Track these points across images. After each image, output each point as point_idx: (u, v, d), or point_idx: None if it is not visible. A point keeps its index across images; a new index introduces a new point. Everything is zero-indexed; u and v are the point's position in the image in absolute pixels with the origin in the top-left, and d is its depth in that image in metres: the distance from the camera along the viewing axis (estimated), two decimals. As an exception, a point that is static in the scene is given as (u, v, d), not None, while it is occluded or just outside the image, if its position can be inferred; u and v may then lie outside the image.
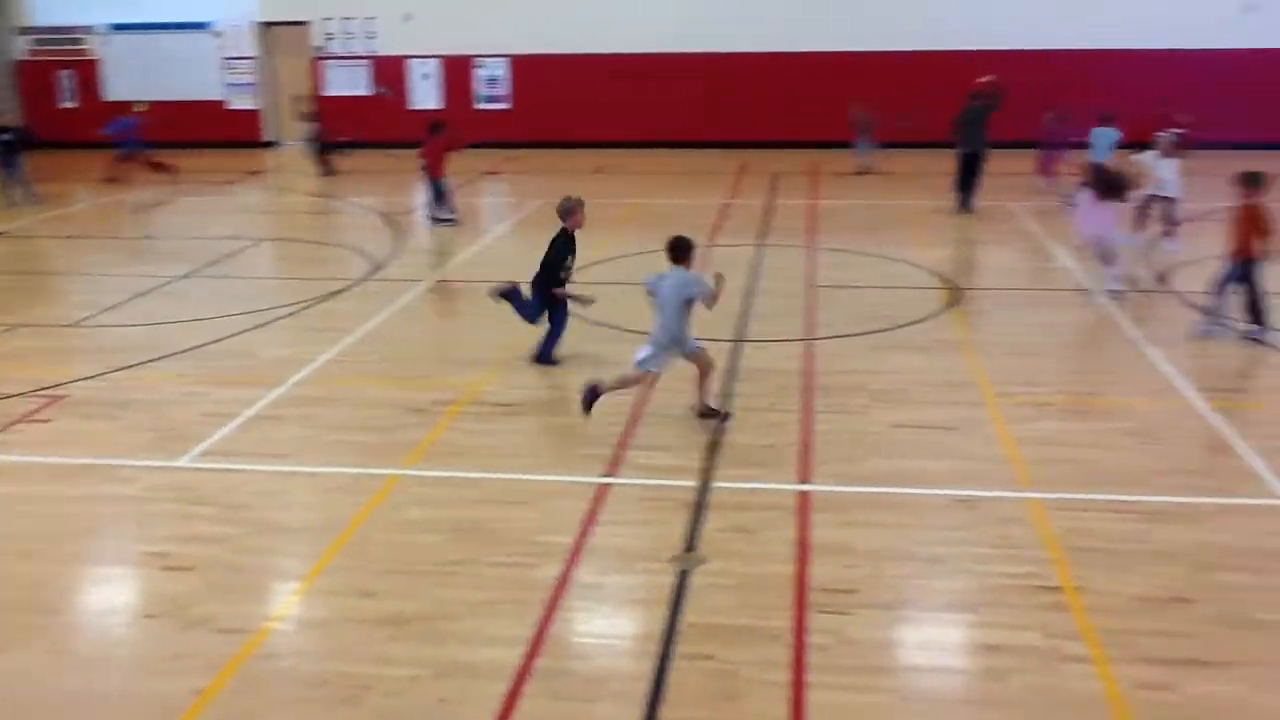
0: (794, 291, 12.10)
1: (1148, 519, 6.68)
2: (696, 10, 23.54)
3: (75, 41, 25.92)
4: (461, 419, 8.47)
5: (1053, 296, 11.89)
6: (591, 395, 8.10)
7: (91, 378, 9.46)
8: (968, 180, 16.69)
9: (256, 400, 8.86)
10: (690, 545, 6.42)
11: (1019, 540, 6.44)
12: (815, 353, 9.86)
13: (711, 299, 8.07)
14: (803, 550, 6.34)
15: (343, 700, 5.06)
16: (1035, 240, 14.83)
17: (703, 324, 10.73)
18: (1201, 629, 5.52)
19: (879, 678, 5.22)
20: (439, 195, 16.33)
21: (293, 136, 25.57)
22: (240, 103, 25.69)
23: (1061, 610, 5.69)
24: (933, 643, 5.61)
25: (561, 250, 9.61)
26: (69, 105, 26.00)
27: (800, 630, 5.54)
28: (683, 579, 6.06)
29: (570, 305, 9.76)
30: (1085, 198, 11.98)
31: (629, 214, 17.12)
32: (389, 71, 25.01)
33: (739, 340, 10.09)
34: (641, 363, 8.10)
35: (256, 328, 10.99)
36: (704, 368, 8.22)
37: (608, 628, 5.79)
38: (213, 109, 25.58)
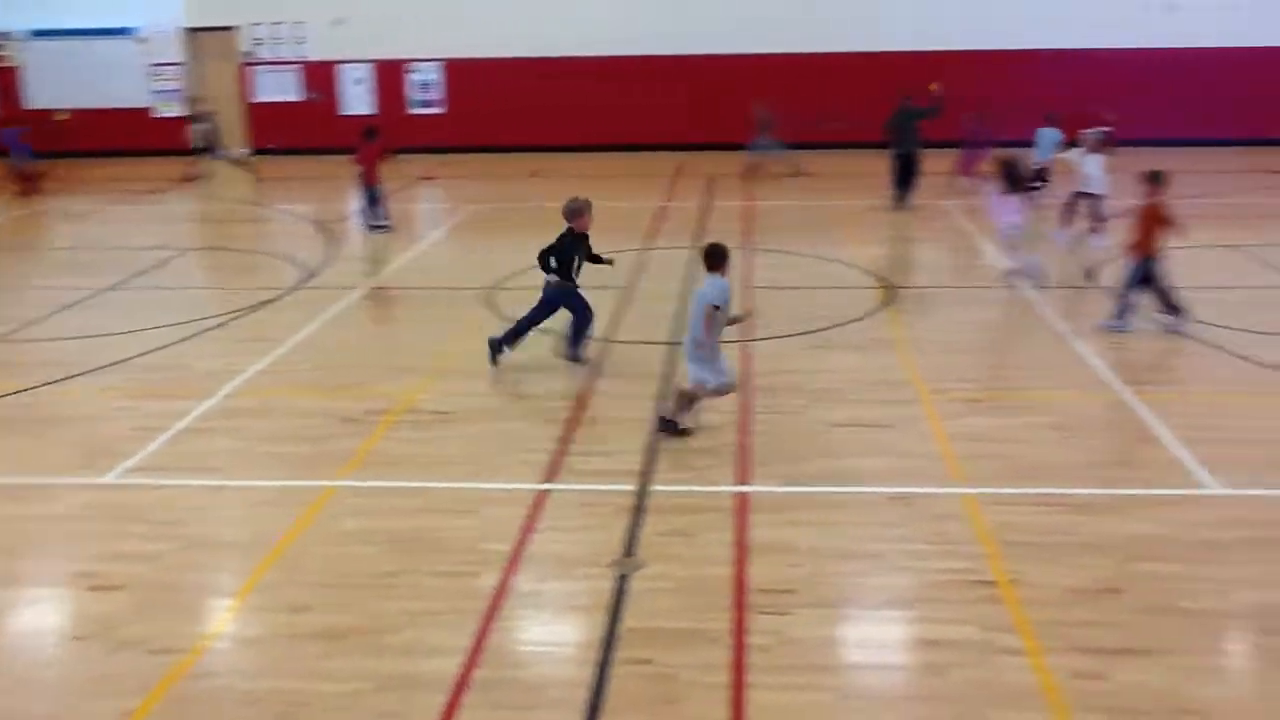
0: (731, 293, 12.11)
1: (1077, 511, 6.80)
2: (630, 14, 23.54)
3: (-7, 48, 25.26)
4: (397, 428, 8.38)
5: (984, 293, 12.07)
6: (668, 427, 7.97)
7: (15, 394, 9.22)
8: (905, 180, 16.96)
9: (186, 413, 8.69)
10: (629, 550, 6.41)
11: (954, 535, 6.52)
12: (753, 354, 9.90)
13: (727, 319, 7.92)
14: (742, 551, 6.36)
15: (277, 717, 4.98)
16: (968, 238, 15.04)
17: (640, 327, 10.76)
18: (1131, 618, 5.63)
19: (819, 676, 5.25)
20: (373, 201, 16.15)
21: (225, 144, 25.21)
22: (167, 110, 25.19)
23: (997, 604, 5.77)
24: (872, 640, 5.67)
25: (570, 249, 9.45)
26: (-12, 114, 25.32)
27: (740, 631, 5.56)
28: (622, 584, 6.04)
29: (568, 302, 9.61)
30: (993, 191, 12.46)
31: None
32: (320, 77, 24.70)
33: (675, 342, 10.09)
34: (694, 379, 7.95)
35: (186, 339, 10.79)
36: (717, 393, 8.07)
37: (547, 635, 5.76)
38: (139, 116, 25.05)
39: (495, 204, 18.62)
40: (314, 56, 24.59)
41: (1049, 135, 16.59)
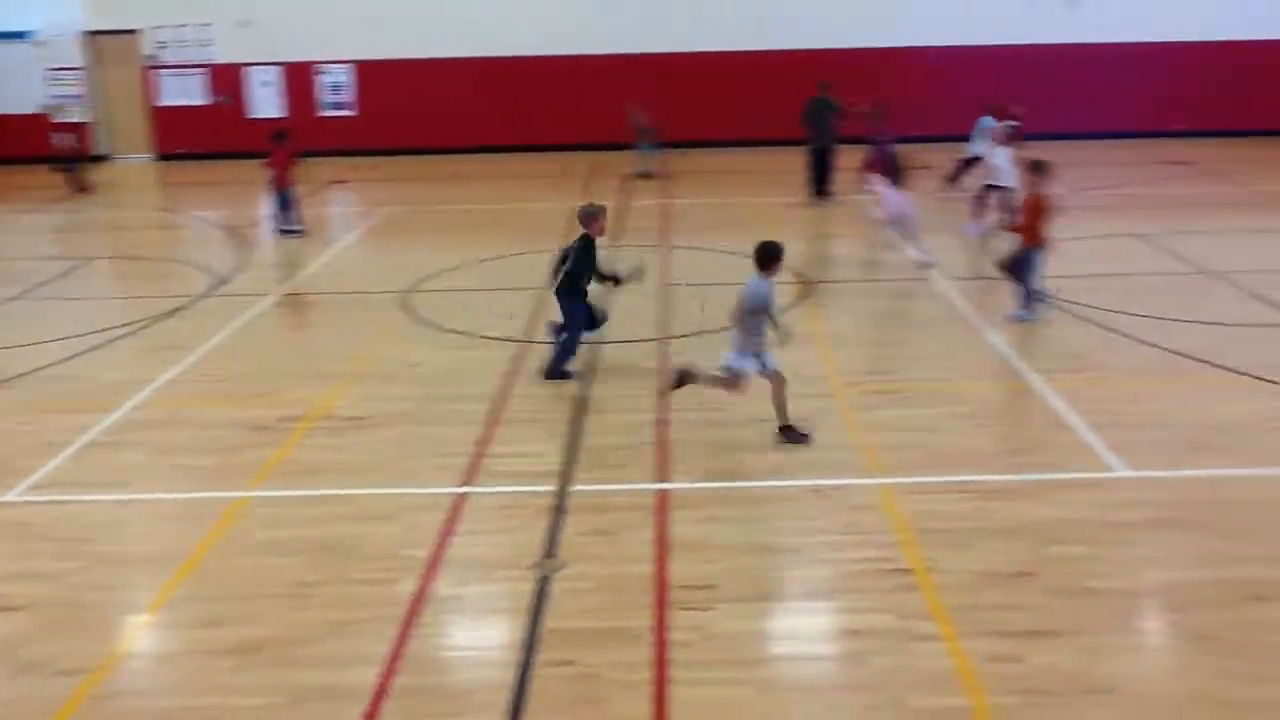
0: (649, 291, 12.13)
1: (991, 497, 6.93)
2: (544, 14, 23.42)
3: (-121, 53, 24.29)
4: (312, 435, 8.24)
5: (898, 286, 12.25)
6: (789, 433, 7.83)
7: (-92, 411, 8.88)
8: (820, 174, 17.14)
9: (92, 427, 8.44)
10: (550, 551, 6.37)
11: (871, 526, 6.60)
12: (672, 352, 9.91)
13: (777, 322, 7.83)
14: (662, 549, 6.36)
15: (190, 735, 4.86)
16: (883, 232, 15.21)
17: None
18: (1043, 600, 5.75)
19: (741, 670, 5.27)
20: (285, 205, 15.86)
21: (128, 150, 24.60)
22: (65, 116, 24.41)
23: (913, 591, 5.85)
24: (792, 632, 5.72)
25: (586, 257, 9.27)
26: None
27: (661, 628, 5.56)
28: (543, 585, 6.01)
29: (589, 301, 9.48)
30: (879, 183, 12.89)
31: (482, 220, 16.95)
32: (227, 80, 24.18)
33: (596, 342, 10.06)
34: (731, 369, 7.85)
35: (91, 350, 10.48)
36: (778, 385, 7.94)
37: (468, 640, 5.71)
38: (38, 123, 24.27)
39: (410, 206, 18.42)
40: (220, 59, 24.06)
41: (988, 125, 16.78)
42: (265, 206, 16.90)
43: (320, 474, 7.54)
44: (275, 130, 16.31)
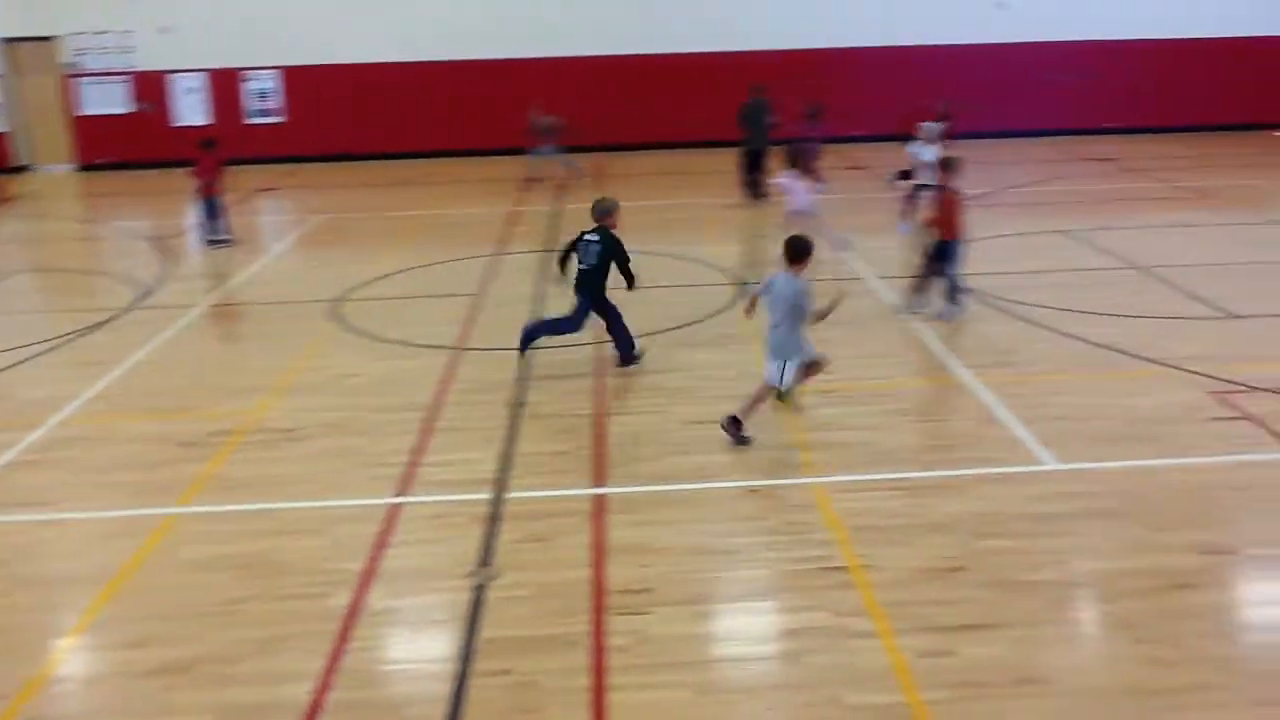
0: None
1: (924, 493, 7.00)
2: (472, 17, 23.29)
3: None
4: (242, 449, 8.09)
5: (833, 286, 12.30)
6: (735, 427, 7.79)
7: None
8: (754, 175, 17.26)
9: (12, 445, 8.21)
10: (485, 559, 6.32)
11: (807, 525, 6.64)
12: (608, 355, 9.89)
13: (817, 315, 7.74)
14: (599, 553, 6.34)
15: (117, 760, 4.74)
16: (818, 232, 15.32)
17: (491, 334, 10.64)
18: (975, 594, 5.82)
19: (679, 673, 5.26)
20: (213, 214, 15.59)
21: (49, 160, 24.03)
22: (-19, 125, 23.84)
23: (848, 588, 5.90)
24: (729, 633, 5.73)
25: (622, 249, 9.43)
26: None
27: (599, 634, 5.54)
28: (479, 594, 5.96)
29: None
30: (785, 175, 13.27)
31: (415, 226, 16.80)
32: (150, 87, 23.72)
33: (533, 347, 10.01)
34: (770, 378, 7.82)
35: (10, 367, 10.20)
36: (816, 370, 8.11)
37: (404, 652, 5.64)
38: (-48, 133, 23.66)
39: (340, 214, 18.20)
40: (143, 66, 23.61)
41: (931, 128, 16.95)
42: (192, 216, 16.61)
43: (251, 488, 7.41)
44: (203, 138, 16.03)
